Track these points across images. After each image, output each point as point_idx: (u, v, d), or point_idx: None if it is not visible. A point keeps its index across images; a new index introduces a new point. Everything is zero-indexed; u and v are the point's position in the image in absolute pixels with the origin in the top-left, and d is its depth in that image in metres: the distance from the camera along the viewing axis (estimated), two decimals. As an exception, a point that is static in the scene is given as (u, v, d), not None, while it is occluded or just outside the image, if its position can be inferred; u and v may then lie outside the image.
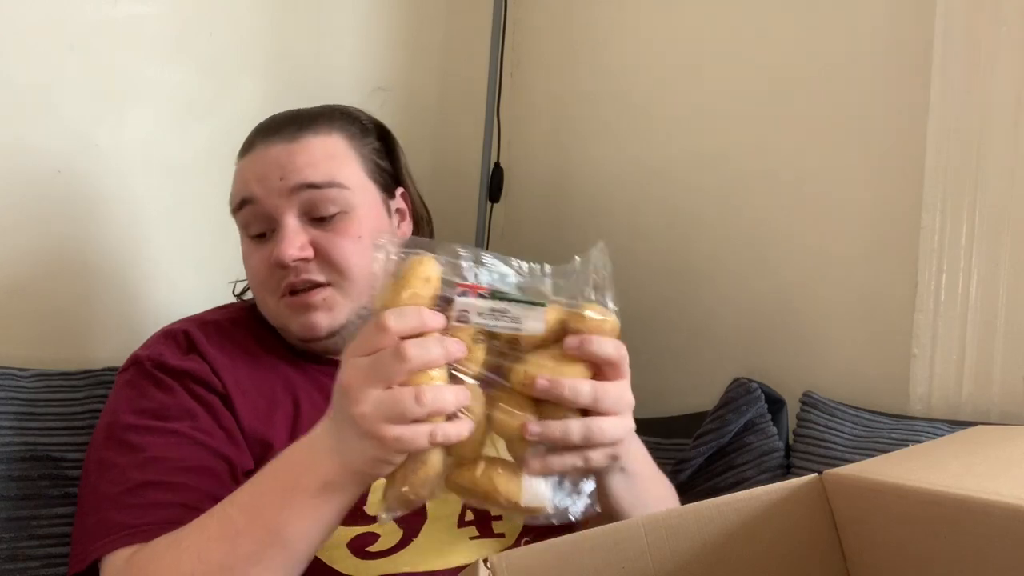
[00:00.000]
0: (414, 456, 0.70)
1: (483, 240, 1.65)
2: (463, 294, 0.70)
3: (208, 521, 0.77)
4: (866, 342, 1.23)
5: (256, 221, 0.97)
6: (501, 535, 0.92)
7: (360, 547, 0.88)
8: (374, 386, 0.67)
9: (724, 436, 1.18)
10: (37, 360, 1.13)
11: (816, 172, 1.28)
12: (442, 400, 0.68)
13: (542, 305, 0.70)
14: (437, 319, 0.69)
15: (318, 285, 0.94)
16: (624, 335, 1.56)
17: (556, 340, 0.72)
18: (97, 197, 1.23)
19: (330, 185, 0.95)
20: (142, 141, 1.26)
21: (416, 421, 0.67)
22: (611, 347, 0.73)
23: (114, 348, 1.20)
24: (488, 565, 0.64)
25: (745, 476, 1.14)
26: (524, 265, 0.73)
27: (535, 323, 0.70)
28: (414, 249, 0.71)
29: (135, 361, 0.94)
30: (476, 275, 0.71)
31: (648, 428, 1.31)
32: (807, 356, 1.28)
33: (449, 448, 0.71)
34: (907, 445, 1.05)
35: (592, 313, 0.72)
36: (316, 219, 0.95)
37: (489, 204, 1.65)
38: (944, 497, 0.64)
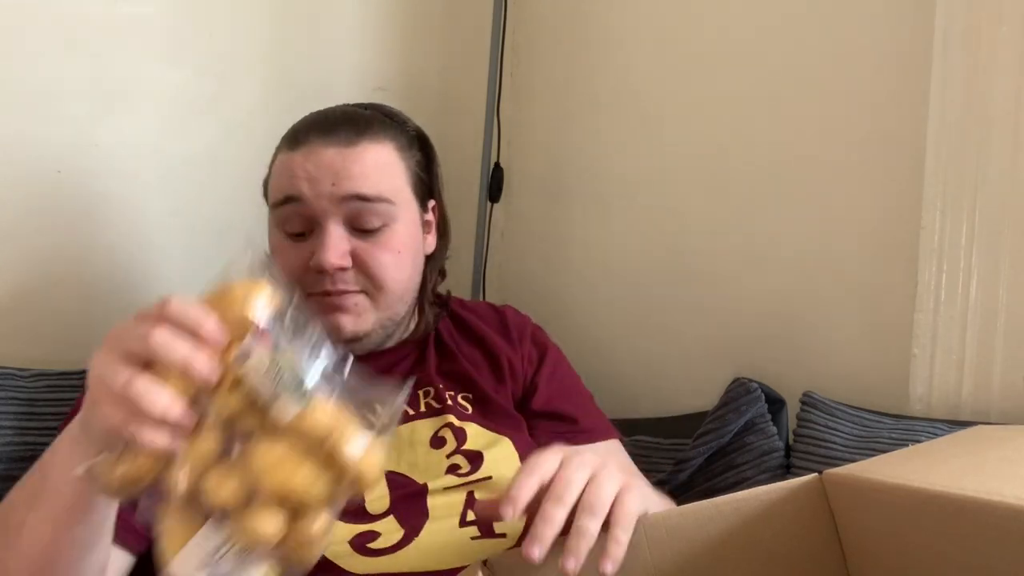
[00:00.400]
0: (131, 447, 0.61)
1: (483, 240, 1.65)
2: (257, 339, 0.62)
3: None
4: (866, 342, 1.23)
5: (297, 220, 0.97)
6: (503, 535, 0.92)
7: (362, 544, 0.88)
8: (112, 347, 0.63)
9: (724, 436, 1.18)
10: (37, 360, 1.13)
11: (816, 172, 1.28)
12: (148, 395, 0.59)
13: (306, 397, 0.61)
14: (217, 334, 0.61)
15: (350, 291, 0.96)
16: (625, 335, 1.57)
17: (300, 434, 0.61)
18: (97, 197, 1.23)
19: (379, 200, 0.96)
20: (142, 141, 1.26)
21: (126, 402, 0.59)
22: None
23: (114, 348, 1.20)
24: (487, 566, 0.64)
25: (745, 476, 1.14)
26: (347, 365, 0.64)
27: (291, 408, 0.61)
28: (265, 273, 0.65)
29: None
30: (290, 334, 0.63)
31: (648, 428, 1.31)
32: (807, 356, 1.28)
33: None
34: (907, 445, 1.05)
35: (353, 447, 0.61)
36: (359, 229, 0.96)
37: (489, 204, 1.65)
38: (944, 497, 0.64)
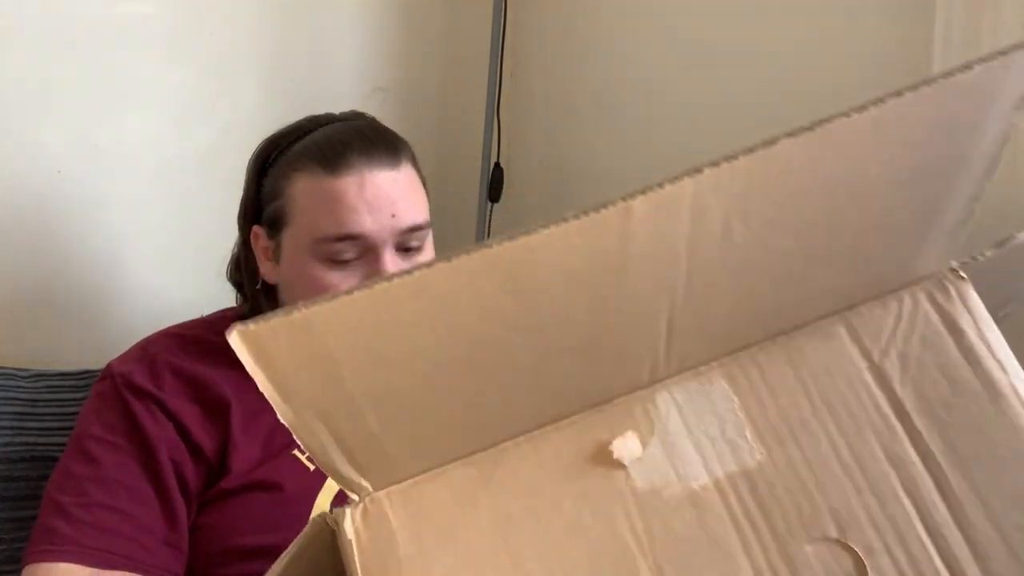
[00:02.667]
0: None
1: (483, 240, 1.64)
2: None
3: None
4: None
5: (353, 250, 0.93)
6: None
7: None
8: None
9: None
10: (37, 360, 1.13)
11: (816, 172, 1.28)
12: None
13: None
14: None
15: None
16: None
17: None
18: (97, 197, 1.23)
19: (427, 225, 0.97)
20: (142, 141, 1.26)
21: None
22: None
23: (114, 349, 1.20)
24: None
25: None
26: None
27: None
28: None
29: (108, 376, 0.95)
30: None
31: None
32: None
33: None
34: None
35: None
36: (403, 252, 0.95)
37: (489, 204, 1.65)
38: None
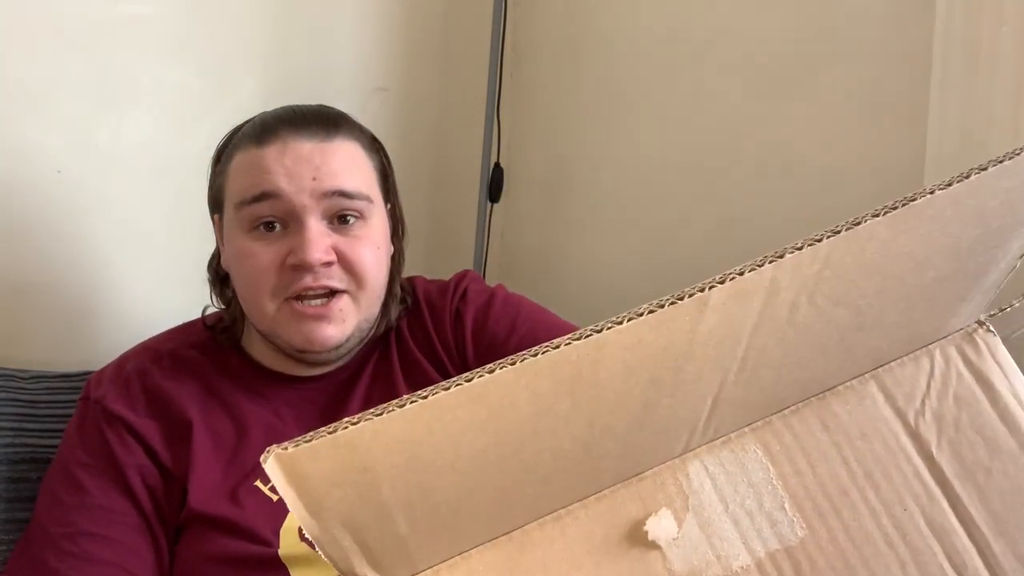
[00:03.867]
0: None
1: (483, 240, 1.65)
2: None
3: None
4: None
5: (275, 216, 0.91)
6: None
7: None
8: None
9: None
10: (37, 361, 1.13)
11: (817, 171, 1.28)
12: None
13: None
14: None
15: (334, 292, 0.91)
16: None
17: None
18: (97, 197, 1.23)
19: (359, 195, 0.93)
20: (142, 141, 1.26)
21: None
22: None
23: (114, 349, 1.20)
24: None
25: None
26: None
27: None
28: None
29: (86, 397, 0.95)
30: None
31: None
32: (807, 356, 1.28)
33: None
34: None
35: None
36: (337, 225, 0.92)
37: (489, 204, 1.65)
38: None
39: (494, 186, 1.64)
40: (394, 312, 1.01)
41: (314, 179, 0.90)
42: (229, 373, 0.97)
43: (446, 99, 1.64)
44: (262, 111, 1.02)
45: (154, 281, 1.28)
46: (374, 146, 1.00)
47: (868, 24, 1.23)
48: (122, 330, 1.23)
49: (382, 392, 0.98)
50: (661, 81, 1.47)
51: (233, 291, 0.98)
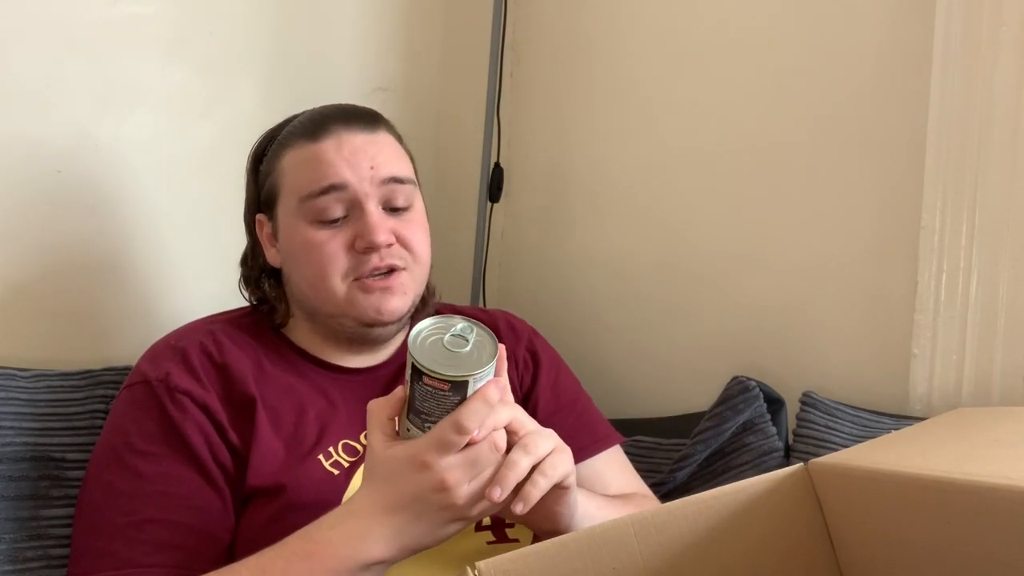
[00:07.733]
0: None
1: (483, 240, 1.65)
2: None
3: None
4: (866, 342, 1.23)
5: (337, 207, 0.99)
6: (516, 540, 0.94)
7: None
8: (471, 477, 0.77)
9: (722, 434, 1.18)
10: (37, 360, 1.13)
11: (816, 171, 1.28)
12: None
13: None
14: (496, 396, 0.78)
15: (394, 270, 1.00)
16: (625, 334, 1.56)
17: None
18: (97, 197, 1.23)
19: (409, 181, 1.02)
20: (142, 141, 1.26)
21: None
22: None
23: (114, 348, 1.20)
24: (476, 572, 0.63)
25: (744, 476, 1.14)
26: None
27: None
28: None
29: (143, 380, 0.94)
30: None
31: (648, 428, 1.31)
32: (807, 356, 1.28)
33: None
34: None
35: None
36: (391, 209, 1.01)
37: (489, 204, 1.65)
38: (934, 481, 0.64)
39: (494, 186, 1.65)
40: (431, 304, 1.11)
41: (372, 168, 0.99)
42: (279, 355, 1.02)
43: (446, 99, 1.64)
44: (265, 111, 1.03)
45: (154, 280, 1.28)
46: (402, 139, 1.08)
47: (868, 24, 1.23)
48: (122, 329, 1.23)
49: None
50: (661, 81, 1.47)
51: (275, 283, 1.06)
